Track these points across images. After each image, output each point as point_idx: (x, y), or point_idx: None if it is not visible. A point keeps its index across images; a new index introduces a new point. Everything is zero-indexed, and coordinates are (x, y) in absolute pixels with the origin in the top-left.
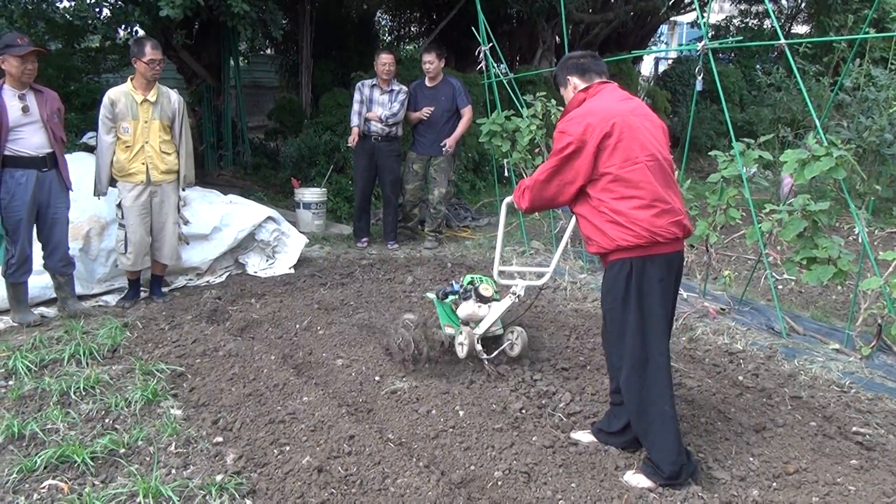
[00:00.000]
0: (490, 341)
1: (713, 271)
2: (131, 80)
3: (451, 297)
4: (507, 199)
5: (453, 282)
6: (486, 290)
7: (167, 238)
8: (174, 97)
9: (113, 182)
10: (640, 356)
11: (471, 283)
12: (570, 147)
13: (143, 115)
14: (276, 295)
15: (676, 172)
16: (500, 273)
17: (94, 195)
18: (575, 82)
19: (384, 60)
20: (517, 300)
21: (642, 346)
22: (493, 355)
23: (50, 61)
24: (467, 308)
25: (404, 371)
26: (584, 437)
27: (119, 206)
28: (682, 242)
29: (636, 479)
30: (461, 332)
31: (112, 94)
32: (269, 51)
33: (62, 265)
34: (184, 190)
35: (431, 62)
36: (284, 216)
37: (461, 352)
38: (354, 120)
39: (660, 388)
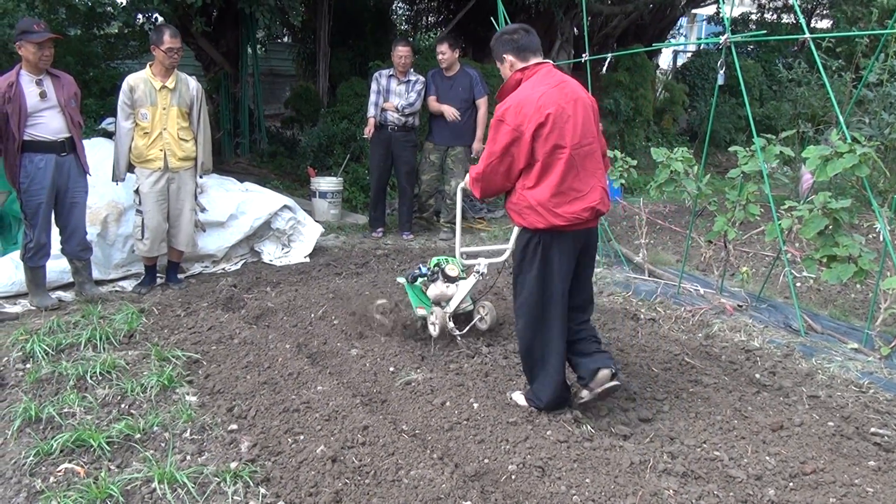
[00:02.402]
0: (462, 318)
1: (731, 267)
2: (150, 66)
3: (420, 280)
4: (461, 185)
5: (420, 265)
6: (453, 270)
7: (184, 225)
8: (193, 84)
9: (131, 168)
10: (536, 314)
11: (437, 265)
12: (508, 137)
13: (161, 102)
14: (291, 284)
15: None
16: (463, 254)
17: (113, 181)
18: (511, 60)
19: (400, 53)
20: (482, 277)
21: (539, 305)
22: (464, 331)
23: (69, 47)
24: (436, 289)
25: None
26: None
27: (137, 192)
28: (595, 221)
29: (517, 398)
30: (433, 313)
31: (131, 80)
32: (286, 39)
33: (80, 250)
34: (201, 177)
35: (444, 52)
36: (300, 205)
37: (434, 331)
38: (371, 110)
39: (550, 345)
